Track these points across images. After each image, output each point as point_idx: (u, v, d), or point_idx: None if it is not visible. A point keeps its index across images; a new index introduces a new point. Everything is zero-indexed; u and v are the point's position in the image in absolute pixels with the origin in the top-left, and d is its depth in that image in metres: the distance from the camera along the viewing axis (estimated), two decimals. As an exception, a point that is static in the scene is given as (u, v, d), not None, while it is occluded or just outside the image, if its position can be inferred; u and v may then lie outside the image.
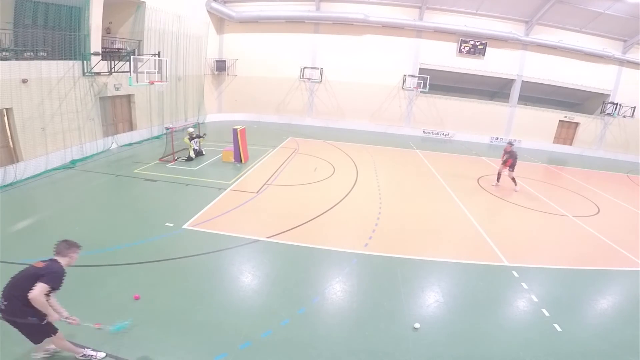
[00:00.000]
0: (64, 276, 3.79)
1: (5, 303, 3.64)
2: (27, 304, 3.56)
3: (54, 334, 3.95)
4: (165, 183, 10.78)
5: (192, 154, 13.25)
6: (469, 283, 6.67)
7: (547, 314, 5.78)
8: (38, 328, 3.77)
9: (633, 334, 5.48)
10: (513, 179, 12.70)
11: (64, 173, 11.12)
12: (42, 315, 3.70)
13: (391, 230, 8.65)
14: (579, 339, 5.29)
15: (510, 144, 13.04)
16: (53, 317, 3.79)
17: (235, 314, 5.29)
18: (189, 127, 14.22)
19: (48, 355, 4.27)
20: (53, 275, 3.67)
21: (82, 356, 4.27)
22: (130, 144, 15.04)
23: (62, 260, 3.89)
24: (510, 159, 12.57)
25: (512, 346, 5.01)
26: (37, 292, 3.53)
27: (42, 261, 3.82)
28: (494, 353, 4.87)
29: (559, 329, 5.43)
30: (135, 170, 11.67)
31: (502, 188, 12.91)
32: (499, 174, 13.26)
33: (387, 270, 6.83)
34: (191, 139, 13.45)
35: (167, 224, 7.92)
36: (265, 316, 5.27)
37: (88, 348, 4.32)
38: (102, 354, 4.34)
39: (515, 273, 7.02)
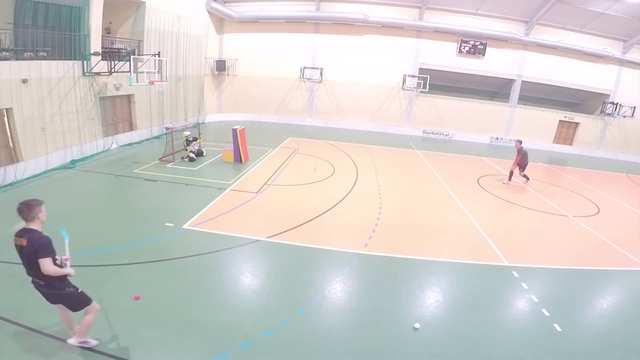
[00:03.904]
0: (48, 239, 3.80)
1: (42, 283, 3.86)
2: (54, 278, 3.80)
3: (90, 303, 4.15)
4: (165, 183, 10.78)
5: (192, 156, 13.25)
6: (469, 283, 6.67)
7: (547, 314, 5.78)
8: (77, 296, 4.06)
9: (633, 334, 5.48)
10: (525, 176, 13.24)
11: (64, 173, 11.12)
12: (72, 285, 3.98)
13: (391, 231, 8.65)
14: (579, 339, 5.28)
15: (519, 141, 13.38)
16: (72, 273, 3.92)
17: (235, 314, 5.28)
18: (185, 131, 14.11)
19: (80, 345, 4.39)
20: (43, 248, 3.71)
21: (81, 341, 4.35)
22: (130, 144, 15.05)
23: (35, 225, 3.84)
24: (519, 155, 12.91)
25: (512, 346, 5.01)
26: (47, 267, 3.67)
27: (18, 237, 3.79)
28: (494, 353, 4.87)
29: (559, 329, 5.42)
30: (135, 170, 11.67)
31: (501, 187, 12.93)
32: (511, 173, 13.43)
33: (387, 270, 6.83)
34: (188, 142, 13.38)
35: (167, 224, 7.92)
36: (265, 316, 5.27)
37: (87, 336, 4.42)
38: (95, 342, 4.44)
39: (515, 273, 7.02)
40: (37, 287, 3.96)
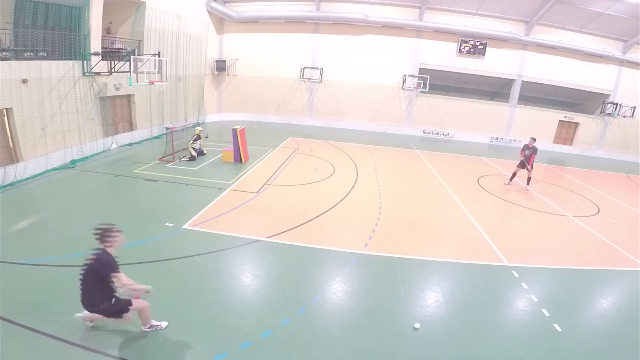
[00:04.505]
0: (113, 259, 4.16)
1: (82, 297, 4.25)
2: (95, 294, 4.18)
3: (131, 306, 4.40)
4: (165, 183, 10.78)
5: (194, 153, 13.31)
6: (469, 283, 6.67)
7: (547, 314, 5.78)
8: (112, 307, 4.31)
9: (633, 334, 5.48)
10: (529, 178, 12.84)
11: (64, 173, 11.11)
12: (109, 298, 4.27)
13: (391, 230, 8.65)
14: (579, 339, 5.29)
15: (533, 139, 12.75)
16: (141, 289, 4.30)
17: (235, 314, 5.28)
18: (197, 127, 14.45)
19: (91, 325, 4.69)
20: (105, 265, 4.08)
21: (149, 327, 4.69)
22: (130, 144, 15.04)
23: (107, 248, 4.16)
24: (533, 154, 12.53)
25: (512, 346, 5.01)
26: (122, 278, 4.09)
27: (91, 253, 4.15)
28: (494, 353, 4.87)
29: (559, 329, 5.43)
30: (135, 170, 11.67)
31: (501, 187, 12.94)
32: (514, 174, 13.27)
33: (387, 270, 6.83)
34: (197, 138, 13.57)
35: (167, 224, 7.92)
36: (265, 316, 5.27)
37: (153, 319, 4.76)
38: (165, 323, 4.82)
39: (515, 273, 7.02)
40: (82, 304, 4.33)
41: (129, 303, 4.37)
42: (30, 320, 4.70)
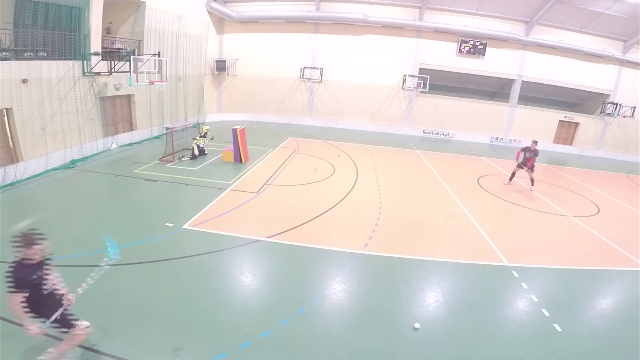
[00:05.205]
0: (20, 274, 3.47)
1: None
2: (42, 302, 3.71)
3: (67, 328, 3.89)
4: (165, 183, 10.78)
5: (196, 152, 13.34)
6: (469, 283, 6.67)
7: (547, 314, 5.78)
8: (61, 320, 3.82)
9: (633, 334, 5.48)
10: (532, 179, 12.81)
11: (64, 173, 11.12)
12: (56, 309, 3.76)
13: (391, 230, 8.65)
14: (579, 339, 5.29)
15: (535, 142, 12.77)
16: (26, 325, 3.55)
17: (235, 314, 5.29)
18: (205, 125, 14.85)
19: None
20: (8, 279, 3.46)
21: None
22: (130, 144, 15.05)
23: (20, 257, 3.54)
24: (534, 157, 12.52)
25: (512, 346, 5.01)
26: (8, 301, 3.49)
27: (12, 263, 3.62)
28: (494, 353, 4.87)
29: (559, 329, 5.43)
30: (135, 170, 11.67)
31: (501, 187, 12.93)
32: (513, 174, 13.26)
33: (387, 270, 6.83)
34: (204, 136, 13.75)
35: (167, 224, 7.92)
36: (265, 316, 5.27)
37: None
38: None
39: (515, 273, 7.02)
40: None
41: (71, 325, 3.93)
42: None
